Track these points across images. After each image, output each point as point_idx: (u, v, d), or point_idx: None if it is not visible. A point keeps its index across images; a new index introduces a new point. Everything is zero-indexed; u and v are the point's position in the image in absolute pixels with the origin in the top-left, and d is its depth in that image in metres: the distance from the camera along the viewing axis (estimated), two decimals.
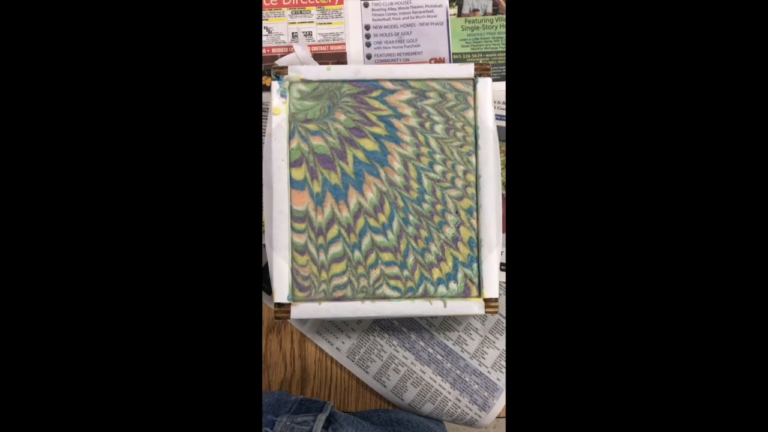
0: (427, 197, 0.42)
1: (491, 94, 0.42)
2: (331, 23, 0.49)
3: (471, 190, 0.42)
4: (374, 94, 0.42)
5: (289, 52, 0.49)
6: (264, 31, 0.49)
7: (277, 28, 0.49)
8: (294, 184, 0.41)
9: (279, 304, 0.40)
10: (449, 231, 0.42)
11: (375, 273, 0.41)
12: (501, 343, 0.47)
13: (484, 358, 0.47)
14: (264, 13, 0.48)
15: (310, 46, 0.49)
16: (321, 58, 0.49)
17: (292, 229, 0.41)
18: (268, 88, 0.46)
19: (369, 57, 0.49)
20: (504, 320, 0.47)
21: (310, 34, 0.49)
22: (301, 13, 0.49)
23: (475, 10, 0.49)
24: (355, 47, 0.49)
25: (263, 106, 0.46)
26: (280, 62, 0.48)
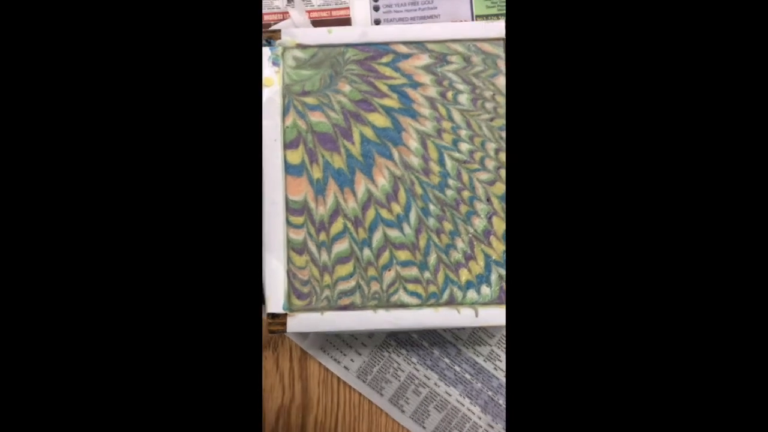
0: (451, 182, 0.38)
1: None
2: None
3: (505, 173, 0.38)
4: (385, 59, 0.39)
5: (283, 19, 0.44)
6: None
7: None
8: (289, 169, 0.38)
9: (273, 315, 0.37)
10: (479, 223, 0.38)
11: (389, 276, 0.37)
12: None
13: None
14: None
15: (308, 11, 0.45)
16: (321, 25, 0.44)
17: (288, 223, 0.38)
18: None
19: (377, 23, 0.45)
20: None
21: None
22: None
23: None
24: (360, 12, 0.45)
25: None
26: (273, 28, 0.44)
